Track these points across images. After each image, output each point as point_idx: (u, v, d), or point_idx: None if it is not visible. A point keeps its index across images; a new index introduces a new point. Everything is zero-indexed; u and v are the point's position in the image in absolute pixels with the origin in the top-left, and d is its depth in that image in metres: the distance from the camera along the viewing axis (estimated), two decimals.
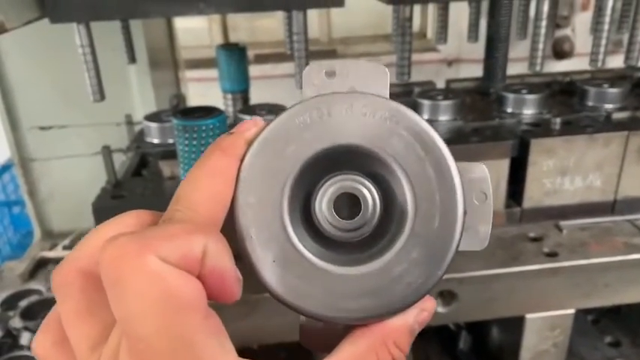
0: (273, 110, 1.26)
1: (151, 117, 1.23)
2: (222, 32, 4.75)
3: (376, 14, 4.46)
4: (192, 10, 0.92)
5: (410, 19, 1.07)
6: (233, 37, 4.60)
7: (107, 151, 1.13)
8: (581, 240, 1.08)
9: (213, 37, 4.70)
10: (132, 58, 1.33)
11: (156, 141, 1.24)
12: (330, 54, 4.75)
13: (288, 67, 4.65)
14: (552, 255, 1.03)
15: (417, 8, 4.67)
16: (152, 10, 0.88)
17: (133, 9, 0.87)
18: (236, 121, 1.26)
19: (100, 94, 0.98)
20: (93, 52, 0.93)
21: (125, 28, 1.27)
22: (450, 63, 4.02)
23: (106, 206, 1.08)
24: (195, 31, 4.65)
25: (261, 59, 4.41)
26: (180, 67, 2.43)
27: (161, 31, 2.22)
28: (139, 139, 1.24)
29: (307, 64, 1.09)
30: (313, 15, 4.95)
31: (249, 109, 1.28)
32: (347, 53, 4.70)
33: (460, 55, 3.89)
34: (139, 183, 1.18)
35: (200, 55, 4.10)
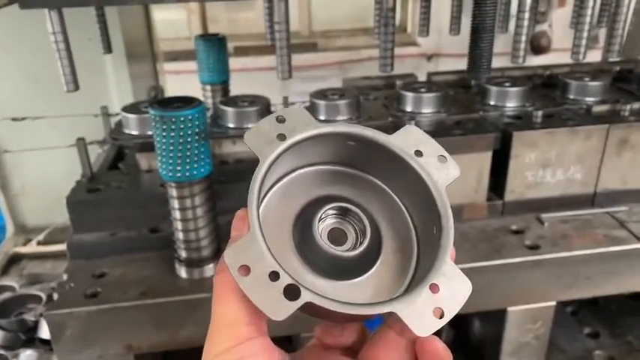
0: (256, 102, 1.24)
1: (129, 108, 1.20)
2: (201, 24, 4.67)
3: (357, 7, 4.43)
4: None
5: (393, 9, 1.06)
6: (212, 29, 4.53)
7: (82, 144, 1.09)
8: (562, 232, 1.08)
9: (192, 28, 4.62)
10: (107, 48, 1.29)
11: (134, 133, 1.21)
12: (310, 47, 4.71)
13: (268, 60, 4.58)
14: (534, 248, 1.03)
15: (397, 2, 4.68)
16: None
17: None
18: (216, 114, 1.23)
19: (74, 84, 0.94)
20: (66, 40, 0.89)
21: (100, 17, 1.23)
22: (429, 57, 4.03)
23: (81, 200, 1.05)
24: (173, 22, 4.57)
25: (242, 52, 4.35)
26: (159, 59, 2.39)
27: (139, 22, 2.17)
28: (116, 130, 1.20)
29: (289, 55, 1.08)
30: (293, 7, 4.90)
31: (230, 101, 1.25)
32: (328, 46, 4.67)
33: (439, 49, 3.90)
34: (116, 176, 1.15)
35: (178, 47, 4.03)
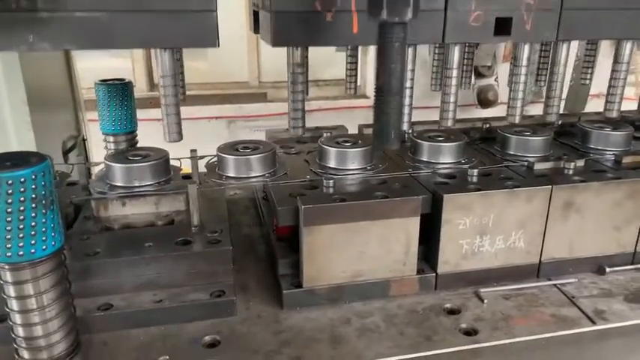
0: (151, 155, 1.06)
1: None
2: (146, 72, 4.54)
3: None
4: (19, 45, 0.72)
5: (301, 64, 0.92)
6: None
7: None
8: (504, 312, 0.92)
9: (137, 77, 4.48)
10: None
11: None
12: (259, 97, 4.63)
13: (216, 109, 4.49)
14: (471, 333, 0.86)
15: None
16: None
17: None
18: (107, 170, 1.04)
19: None
20: None
21: None
22: None
23: None
24: (117, 70, 4.39)
25: (189, 101, 4.19)
26: (81, 107, 2.22)
27: (57, 70, 2.01)
28: None
29: (178, 113, 0.90)
30: (242, 58, 4.83)
31: (119, 155, 1.07)
32: (277, 97, 4.61)
33: None
34: None
35: None
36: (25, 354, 0.74)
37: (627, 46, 1.04)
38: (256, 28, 0.99)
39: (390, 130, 0.68)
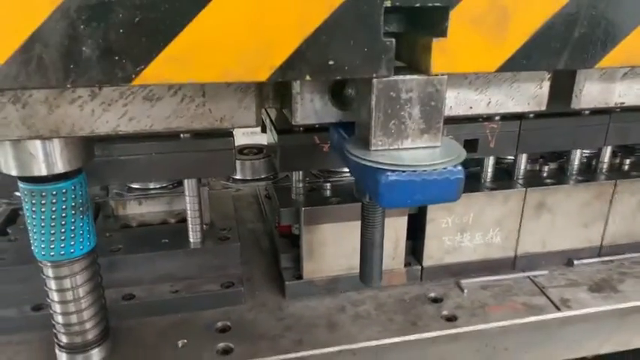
0: None
1: None
2: None
3: None
4: None
5: (302, 180, 1.05)
6: None
7: None
8: (481, 300, 1.04)
9: None
10: None
11: None
12: None
13: None
14: (452, 319, 0.98)
15: None
16: None
17: None
18: None
19: None
20: None
21: None
22: None
23: None
24: None
25: None
26: None
27: None
28: (5, 191, 1.10)
29: (201, 219, 1.01)
30: None
31: None
32: None
33: None
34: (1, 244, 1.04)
35: None
36: (64, 338, 0.85)
37: (577, 152, 1.15)
38: (263, 129, 1.12)
39: (374, 275, 0.83)
